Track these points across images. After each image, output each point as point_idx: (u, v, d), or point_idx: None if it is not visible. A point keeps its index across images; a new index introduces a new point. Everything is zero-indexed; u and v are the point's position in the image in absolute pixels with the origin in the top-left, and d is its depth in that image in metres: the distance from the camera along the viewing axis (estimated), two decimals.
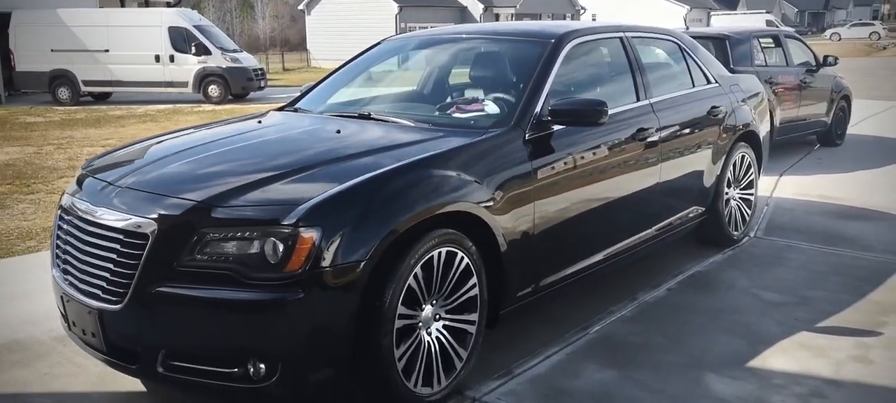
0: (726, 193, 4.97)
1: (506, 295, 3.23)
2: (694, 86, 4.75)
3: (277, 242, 2.42)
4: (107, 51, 17.21)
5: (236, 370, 2.48)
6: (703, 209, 4.77)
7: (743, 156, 5.08)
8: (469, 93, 3.99)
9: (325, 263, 2.45)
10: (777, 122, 8.06)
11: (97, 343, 2.67)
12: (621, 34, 4.27)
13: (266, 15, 61.87)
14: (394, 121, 3.54)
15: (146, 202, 2.63)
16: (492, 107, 3.72)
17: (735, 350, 3.48)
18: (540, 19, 45.41)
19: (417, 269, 2.72)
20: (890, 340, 3.56)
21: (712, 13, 49.76)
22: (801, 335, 3.64)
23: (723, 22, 40.26)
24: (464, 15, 41.99)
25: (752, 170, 5.22)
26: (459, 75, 4.22)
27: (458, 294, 2.97)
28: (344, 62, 4.49)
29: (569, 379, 3.19)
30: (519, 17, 43.07)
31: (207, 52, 17.59)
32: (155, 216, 2.55)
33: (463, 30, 4.48)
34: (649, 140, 4.01)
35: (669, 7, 48.09)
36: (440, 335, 2.94)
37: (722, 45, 7.89)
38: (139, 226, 2.55)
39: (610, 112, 3.78)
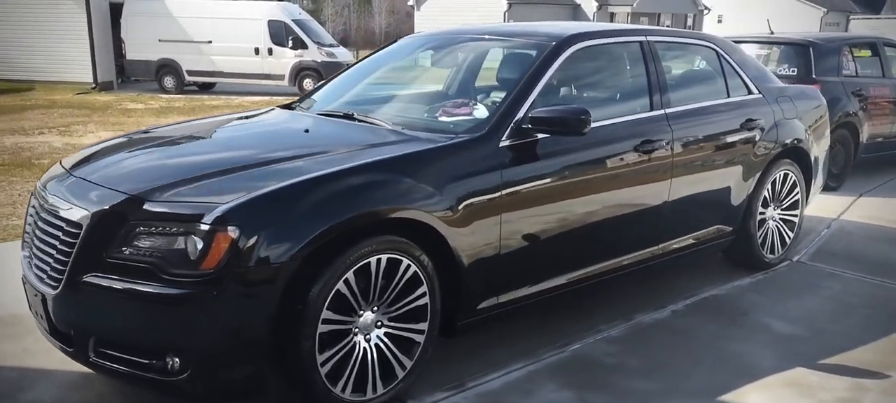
0: (762, 213, 4.69)
1: (463, 308, 3.20)
2: (729, 96, 4.51)
3: (197, 239, 2.52)
4: (210, 42, 18.18)
5: (156, 362, 2.60)
6: (731, 229, 4.53)
7: (786, 175, 4.78)
8: (464, 96, 3.97)
9: (243, 263, 2.52)
10: (864, 138, 7.53)
11: (44, 325, 2.88)
12: (642, 38, 4.11)
13: (382, 10, 63.48)
14: (371, 123, 3.58)
15: (87, 192, 2.80)
16: (481, 111, 3.71)
17: (715, 382, 3.30)
18: (657, 19, 44.08)
19: (349, 275, 2.75)
20: (892, 386, 3.27)
21: (852, 17, 46.67)
22: (795, 371, 3.41)
23: (859, 26, 37.74)
24: (576, 13, 41.35)
25: (797, 189, 4.90)
26: (459, 77, 4.20)
27: (404, 302, 2.98)
28: (358, 60, 4.58)
29: (519, 398, 3.13)
30: (635, 16, 41.96)
31: (304, 45, 18.26)
32: (89, 206, 2.71)
33: (476, 30, 4.44)
34: (658, 153, 3.85)
35: (804, 9, 45.50)
36: (381, 342, 2.96)
37: (804, 53, 7.43)
38: (76, 216, 2.71)
39: (609, 122, 3.72)
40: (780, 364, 3.48)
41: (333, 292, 2.72)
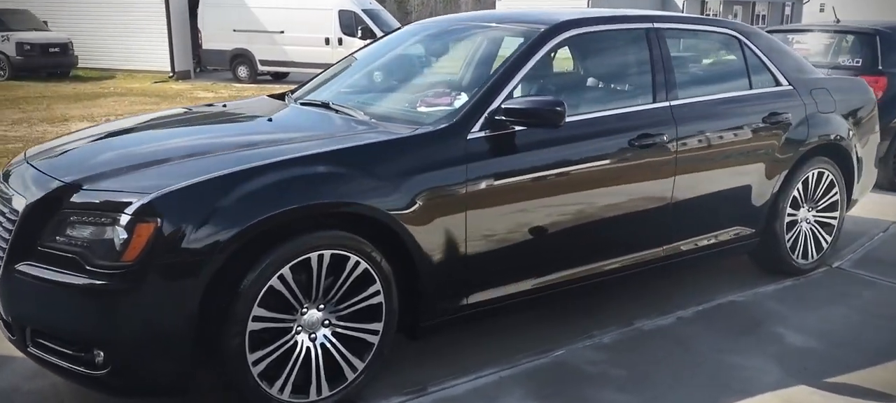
0: (792, 215, 4.33)
1: (425, 309, 3.07)
2: (751, 87, 4.18)
3: (120, 229, 2.48)
4: (282, 32, 18.51)
5: (85, 355, 2.58)
6: (753, 231, 4.20)
7: (821, 174, 4.39)
8: (447, 85, 3.81)
9: (164, 256, 2.46)
10: None
11: None
12: (648, 25, 3.83)
13: (469, 0, 63.46)
14: (343, 113, 3.47)
15: (30, 180, 2.81)
16: (461, 101, 3.54)
17: (697, 398, 3.06)
18: (752, 7, 42.20)
19: (285, 271, 2.66)
20: None
21: None
22: (795, 389, 3.12)
23: None
24: (665, 3, 40.08)
25: (835, 190, 4.50)
26: (448, 66, 4.04)
27: (354, 301, 2.86)
28: (355, 50, 4.49)
29: None
30: (727, 5, 40.32)
31: (373, 35, 18.33)
32: (27, 194, 2.71)
33: (470, 17, 4.26)
34: (659, 148, 3.59)
35: None
36: (328, 342, 2.85)
37: (870, 42, 6.88)
38: (17, 203, 2.72)
39: (600, 114, 3.51)
40: (781, 381, 3.19)
41: (266, 288, 2.63)
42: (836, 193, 4.53)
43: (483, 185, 3.06)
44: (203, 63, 19.90)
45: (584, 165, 3.36)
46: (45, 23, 18.86)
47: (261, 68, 18.97)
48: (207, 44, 18.91)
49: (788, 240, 4.35)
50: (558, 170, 3.28)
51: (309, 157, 2.80)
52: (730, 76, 4.20)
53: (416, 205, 2.90)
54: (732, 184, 3.98)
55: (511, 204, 3.16)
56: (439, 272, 3.02)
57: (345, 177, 2.80)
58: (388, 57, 4.15)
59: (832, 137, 4.40)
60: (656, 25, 3.84)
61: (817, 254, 4.54)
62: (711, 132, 3.85)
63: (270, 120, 3.44)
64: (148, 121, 3.65)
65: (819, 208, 4.51)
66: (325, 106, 3.61)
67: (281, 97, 4.10)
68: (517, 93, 3.35)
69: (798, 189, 4.32)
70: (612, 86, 3.92)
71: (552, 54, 3.59)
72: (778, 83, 4.28)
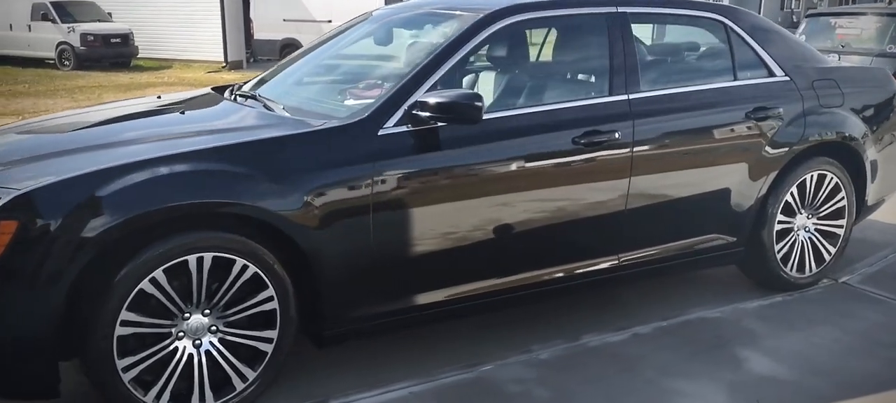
0: (787, 222, 3.93)
1: (328, 316, 2.88)
2: (736, 78, 3.80)
3: None
4: (330, 21, 18.55)
5: None
6: (735, 239, 3.82)
7: (822, 176, 3.97)
8: (382, 77, 3.58)
9: (25, 256, 2.37)
10: None
11: None
12: (611, 9, 3.48)
13: None
14: (264, 107, 3.30)
15: None
16: None
17: None
18: None
19: (158, 274, 2.51)
20: None
21: None
22: None
23: None
24: None
25: (841, 195, 4.07)
26: (393, 55, 3.81)
27: (243, 307, 2.70)
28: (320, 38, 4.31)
29: None
30: None
31: None
32: None
33: (427, 2, 4.01)
34: (611, 146, 3.28)
35: None
36: (214, 349, 2.70)
37: None
38: None
39: (538, 109, 3.25)
40: None
41: (136, 291, 2.49)
42: (842, 199, 4.09)
43: (392, 186, 2.84)
44: (254, 53, 20.18)
45: (513, 165, 3.08)
46: (110, 14, 19.49)
47: None
48: (259, 34, 19.14)
49: (780, 251, 3.95)
50: (482, 171, 3.02)
51: (191, 154, 2.65)
52: (710, 66, 3.84)
53: (313, 206, 2.70)
54: (706, 187, 3.62)
55: (424, 207, 2.93)
56: (341, 278, 2.82)
57: (230, 175, 2.63)
58: (339, 46, 3.96)
59: (836, 135, 3.97)
60: (621, 9, 3.51)
61: (817, 267, 4.12)
62: (679, 128, 3.50)
63: (183, 113, 3.31)
64: (78, 113, 3.59)
65: (821, 215, 4.08)
66: (253, 98, 3.46)
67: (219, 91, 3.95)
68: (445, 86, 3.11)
69: (792, 193, 3.91)
70: (561, 77, 3.62)
71: (492, 43, 3.31)
72: (771, 73, 3.88)
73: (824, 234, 4.11)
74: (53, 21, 17.83)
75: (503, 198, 3.08)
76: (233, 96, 3.57)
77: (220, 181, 2.60)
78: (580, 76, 3.56)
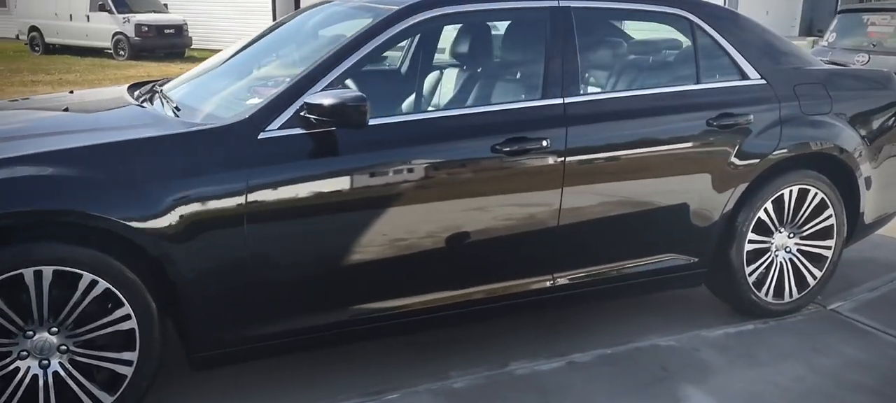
0: (762, 242, 3.50)
1: (198, 337, 2.63)
2: (699, 82, 3.38)
3: None
4: None
5: None
6: (696, 259, 3.42)
7: (804, 191, 3.51)
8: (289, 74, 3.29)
9: None
10: None
11: None
12: (553, 3, 3.12)
13: None
14: (157, 108, 3.06)
15: None
16: None
17: None
18: None
19: None
20: None
21: None
22: None
23: None
24: None
25: (829, 212, 3.60)
26: (310, 51, 3.51)
27: (96, 325, 2.48)
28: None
29: None
30: None
31: None
32: None
33: None
34: (539, 155, 2.94)
35: None
36: (63, 371, 2.49)
37: None
38: None
39: (452, 113, 2.94)
40: None
41: None
42: (830, 217, 3.61)
43: (271, 196, 2.58)
44: None
45: (419, 174, 2.77)
46: (165, 5, 19.83)
47: None
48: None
49: (752, 273, 3.52)
50: (381, 181, 2.72)
51: (30, 157, 2.44)
52: (669, 67, 3.45)
53: (175, 216, 2.47)
54: (658, 202, 3.23)
55: (309, 219, 2.65)
56: (211, 297, 2.58)
57: (74, 181, 2.41)
58: (271, 41, 3.69)
59: (820, 146, 3.51)
60: (564, 3, 3.14)
61: (799, 293, 3.66)
62: (624, 136, 3.13)
63: (66, 110, 3.11)
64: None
65: (804, 235, 3.61)
66: (157, 97, 3.23)
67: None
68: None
69: (767, 209, 3.46)
70: (488, 79, 3.28)
71: (406, 40, 3.00)
72: (744, 76, 3.45)
73: (809, 256, 3.65)
74: (110, 11, 18.22)
75: (406, 210, 2.79)
76: (139, 95, 3.34)
77: (60, 187, 2.38)
78: (510, 78, 3.22)
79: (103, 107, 3.23)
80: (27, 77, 14.10)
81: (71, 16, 18.85)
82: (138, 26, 18.18)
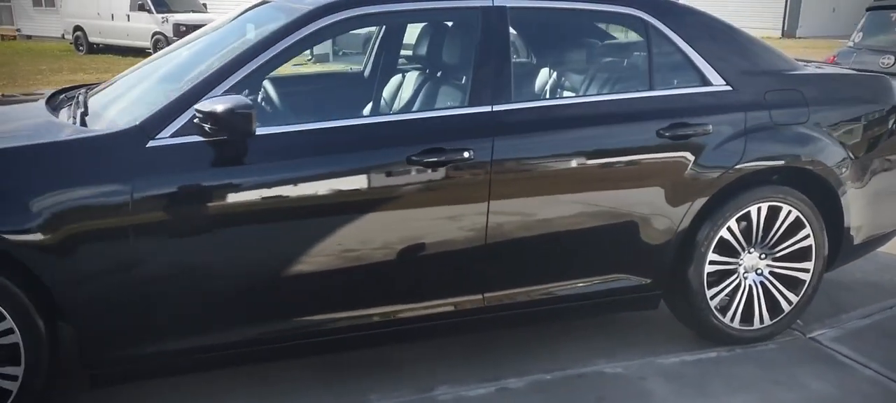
0: (729, 262, 3.27)
1: (86, 354, 2.58)
2: (652, 88, 3.18)
3: None
4: None
5: None
6: (649, 280, 3.22)
7: (775, 209, 3.27)
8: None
9: None
10: None
11: None
12: (487, 3, 2.94)
13: None
14: (66, 113, 3.01)
15: None
16: None
17: None
18: None
19: None
20: None
21: None
22: None
23: None
24: None
25: (806, 232, 3.35)
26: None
27: None
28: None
29: None
30: None
31: None
32: None
33: None
34: (462, 167, 2.79)
35: None
36: None
37: None
38: None
39: (356, 123, 2.81)
40: None
41: None
42: (807, 237, 3.36)
43: (157, 206, 2.50)
44: (341, 46, 20.30)
45: (321, 187, 2.65)
46: (204, 5, 20.20)
47: None
48: None
49: (715, 296, 3.29)
50: (275, 193, 2.61)
51: None
52: (620, 72, 3.25)
53: (53, 228, 2.40)
54: (602, 219, 3.04)
55: (200, 232, 2.57)
56: (95, 312, 2.51)
57: None
58: (203, 43, 3.60)
59: (793, 160, 3.27)
60: (499, 3, 2.98)
61: (772, 319, 3.41)
62: (558, 147, 2.95)
63: None
64: None
65: (778, 256, 3.37)
66: (71, 102, 3.18)
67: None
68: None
69: (732, 227, 3.24)
70: (408, 84, 3.13)
71: (320, 42, 2.88)
72: (705, 82, 3.23)
73: (783, 279, 3.39)
74: (149, 11, 18.64)
75: (306, 224, 2.67)
76: (58, 102, 3.30)
77: None
78: (436, 84, 3.07)
79: (10, 115, 3.21)
80: (67, 76, 14.52)
81: (112, 15, 19.35)
82: (177, 26, 18.52)
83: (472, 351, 3.27)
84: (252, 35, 3.07)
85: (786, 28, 24.21)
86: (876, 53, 5.80)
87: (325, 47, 19.62)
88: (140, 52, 19.19)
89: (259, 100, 3.10)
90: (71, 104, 3.13)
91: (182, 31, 18.51)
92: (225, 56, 2.77)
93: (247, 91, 2.71)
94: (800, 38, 23.39)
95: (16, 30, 26.53)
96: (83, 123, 2.81)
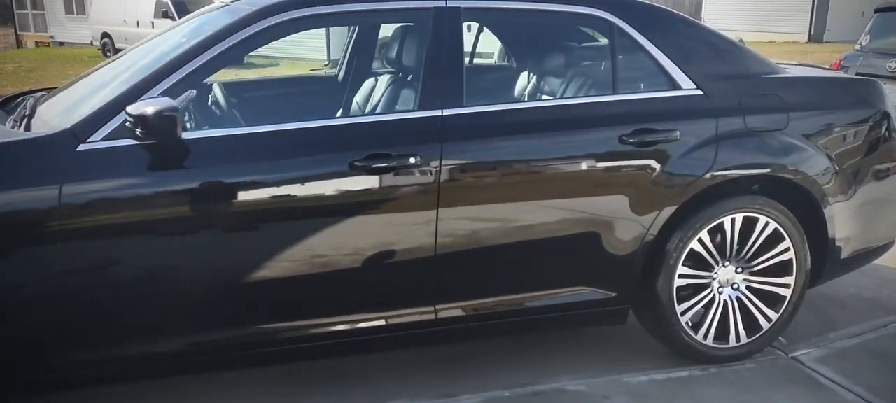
0: (701, 276, 3.13)
1: (16, 361, 2.53)
2: (616, 92, 3.06)
3: None
4: None
5: None
6: (614, 294, 3.09)
7: (750, 220, 3.12)
8: None
9: None
10: None
11: None
12: (439, 3, 2.83)
13: None
14: (9, 117, 2.98)
15: None
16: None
17: None
18: None
19: None
20: None
21: None
22: None
23: None
24: None
25: (785, 244, 3.19)
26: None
27: None
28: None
29: None
30: None
31: None
32: None
33: None
34: (408, 172, 2.69)
35: None
36: None
37: None
38: None
39: (294, 127, 2.72)
40: None
41: None
42: (787, 251, 3.20)
43: (86, 212, 2.44)
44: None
45: (260, 193, 2.57)
46: None
47: None
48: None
49: (686, 312, 3.15)
50: (211, 198, 2.54)
51: None
52: (582, 76, 3.12)
53: None
54: (561, 228, 2.92)
55: (131, 237, 2.50)
56: (23, 317, 2.47)
57: None
58: (154, 45, 3.53)
59: (769, 169, 3.12)
60: (453, 3, 2.88)
61: (749, 337, 3.26)
62: (514, 153, 2.84)
63: None
64: None
65: (755, 270, 3.22)
66: (19, 105, 3.15)
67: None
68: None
69: (703, 239, 3.09)
70: (364, 88, 3.04)
71: (266, 43, 2.81)
72: (675, 86, 3.09)
73: (762, 295, 3.24)
74: (172, 18, 18.85)
75: (244, 231, 2.60)
76: (9, 108, 3.27)
77: None
78: (389, 87, 2.97)
79: None
80: None
81: (137, 22, 19.65)
82: None
83: (428, 364, 3.17)
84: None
85: (812, 32, 23.76)
86: (883, 57, 5.57)
87: None
88: None
89: (208, 103, 3.04)
90: (16, 108, 3.10)
91: None
92: (163, 58, 2.71)
93: (195, 93, 2.64)
94: (827, 42, 22.88)
95: (50, 37, 27.15)
96: (28, 127, 2.77)
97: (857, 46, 6.02)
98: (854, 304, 3.89)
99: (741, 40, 4.02)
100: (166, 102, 2.41)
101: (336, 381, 3.05)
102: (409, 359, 3.19)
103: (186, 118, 2.82)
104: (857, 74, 5.90)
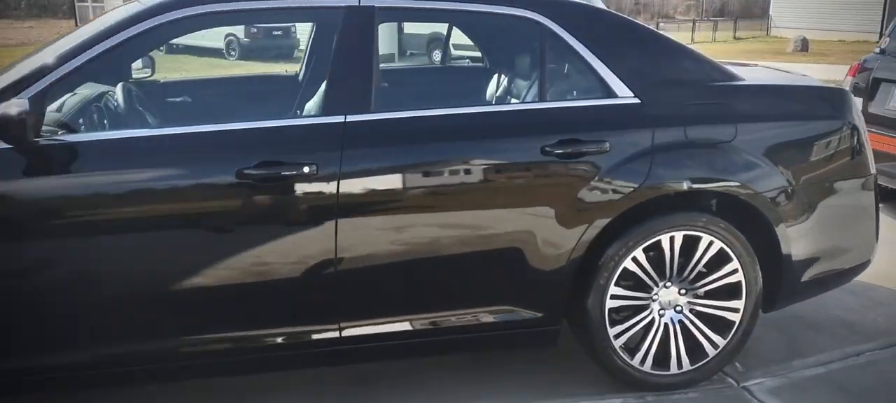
0: (638, 298, 2.91)
1: None
2: (543, 99, 2.85)
3: None
4: None
5: None
6: (540, 315, 2.88)
7: (692, 239, 2.87)
8: None
9: None
10: None
11: None
12: (352, 2, 2.70)
13: None
14: None
15: None
16: None
17: None
18: None
19: None
20: None
21: None
22: None
23: None
24: None
25: (732, 266, 2.93)
26: None
27: None
28: None
29: None
30: None
31: None
32: None
33: None
34: (302, 182, 2.55)
35: None
36: None
37: None
38: None
39: (191, 129, 2.60)
40: None
41: None
42: (735, 271, 2.94)
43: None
44: (403, 47, 20.29)
45: (131, 201, 2.46)
46: None
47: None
48: (408, 28, 19.19)
49: (620, 335, 2.93)
50: (72, 206, 2.43)
51: None
52: (507, 81, 2.94)
53: None
54: (477, 243, 2.73)
55: (47, 241, 2.43)
56: None
57: None
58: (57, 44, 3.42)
59: (712, 183, 2.86)
60: (367, 2, 2.71)
61: (693, 364, 3.01)
62: (423, 163, 2.66)
63: None
64: None
65: (700, 292, 2.97)
66: None
67: None
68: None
69: (637, 257, 2.86)
70: (255, 91, 2.90)
71: (159, 42, 2.70)
72: (609, 93, 2.86)
73: (707, 319, 2.99)
74: None
75: (115, 242, 2.49)
76: None
77: None
78: (282, 89, 2.83)
79: None
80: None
81: None
82: (248, 27, 18.95)
83: (349, 384, 3.03)
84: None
85: (884, 30, 22.70)
86: None
87: (390, 47, 19.70)
88: (216, 53, 19.74)
89: (104, 105, 2.93)
90: None
91: (253, 33, 18.94)
92: (43, 57, 2.61)
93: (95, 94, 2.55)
94: None
95: None
96: None
97: (876, 49, 5.61)
98: (830, 328, 3.59)
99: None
100: (21, 104, 2.29)
101: (252, 397, 2.93)
102: (334, 376, 3.05)
103: (80, 121, 2.72)
104: (875, 79, 5.49)
